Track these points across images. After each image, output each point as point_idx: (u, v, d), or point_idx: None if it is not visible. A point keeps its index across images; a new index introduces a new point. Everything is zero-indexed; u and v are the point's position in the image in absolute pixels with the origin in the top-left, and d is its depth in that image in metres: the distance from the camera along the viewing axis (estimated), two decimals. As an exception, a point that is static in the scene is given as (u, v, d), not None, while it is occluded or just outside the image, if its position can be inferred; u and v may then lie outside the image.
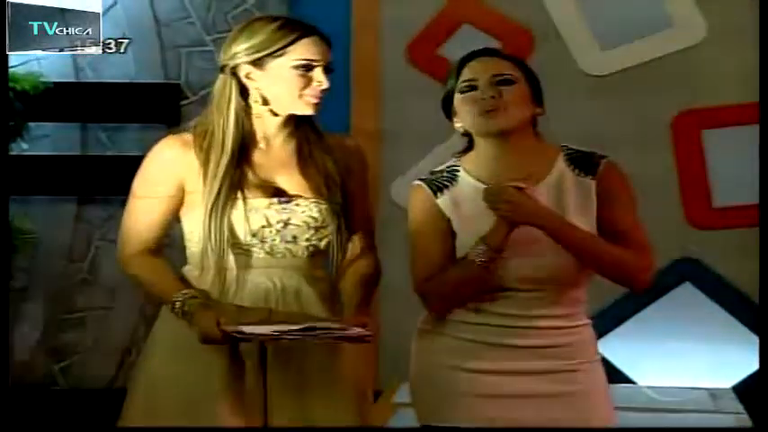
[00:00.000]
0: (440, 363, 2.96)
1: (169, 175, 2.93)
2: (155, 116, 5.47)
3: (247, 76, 2.91)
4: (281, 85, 2.91)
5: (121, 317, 5.55)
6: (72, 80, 5.52)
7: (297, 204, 2.92)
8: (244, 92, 2.93)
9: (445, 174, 3.00)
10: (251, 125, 2.94)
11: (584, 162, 2.96)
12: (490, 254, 2.85)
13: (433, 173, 3.01)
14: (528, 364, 2.92)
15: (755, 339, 5.11)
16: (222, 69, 2.93)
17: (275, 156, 2.96)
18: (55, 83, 5.37)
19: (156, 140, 2.99)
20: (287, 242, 2.92)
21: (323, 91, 2.93)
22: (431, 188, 2.97)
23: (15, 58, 5.32)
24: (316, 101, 2.93)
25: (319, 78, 2.92)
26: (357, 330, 2.82)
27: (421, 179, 3.01)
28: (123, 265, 2.97)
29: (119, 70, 5.53)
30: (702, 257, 5.39)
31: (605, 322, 5.22)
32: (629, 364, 5.41)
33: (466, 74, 2.97)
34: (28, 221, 5.39)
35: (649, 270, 2.95)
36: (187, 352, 2.88)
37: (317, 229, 2.93)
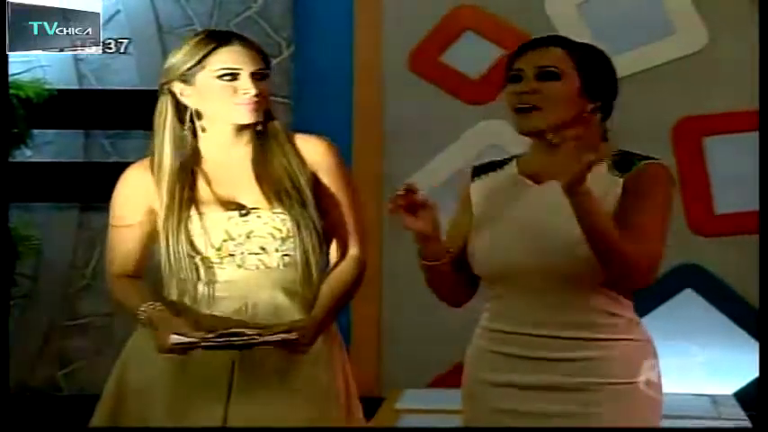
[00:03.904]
0: (470, 375, 2.85)
1: (136, 202, 2.95)
2: (157, 123, 5.47)
3: (182, 94, 2.92)
4: (210, 97, 2.91)
5: (125, 323, 5.54)
6: (75, 87, 5.53)
7: (258, 216, 2.90)
8: (184, 110, 2.93)
9: (498, 161, 2.88)
10: (195, 141, 2.93)
11: (623, 163, 2.81)
12: (420, 261, 2.76)
13: (491, 161, 2.90)
14: (537, 378, 2.72)
15: (757, 346, 5.11)
16: (160, 90, 2.95)
17: (233, 168, 2.94)
18: (58, 90, 5.38)
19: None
20: (256, 254, 2.90)
21: (255, 97, 2.88)
22: (474, 172, 2.87)
23: (19, 65, 5.35)
24: (249, 108, 2.89)
25: (245, 86, 2.88)
26: (277, 336, 2.78)
27: (475, 165, 2.91)
28: (109, 291, 3.03)
29: (122, 77, 5.54)
30: (704, 264, 5.40)
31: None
32: (630, 370, 5.41)
33: (516, 62, 2.80)
34: (31, 228, 5.41)
35: (646, 267, 2.73)
36: (152, 361, 2.91)
37: (283, 239, 2.90)
